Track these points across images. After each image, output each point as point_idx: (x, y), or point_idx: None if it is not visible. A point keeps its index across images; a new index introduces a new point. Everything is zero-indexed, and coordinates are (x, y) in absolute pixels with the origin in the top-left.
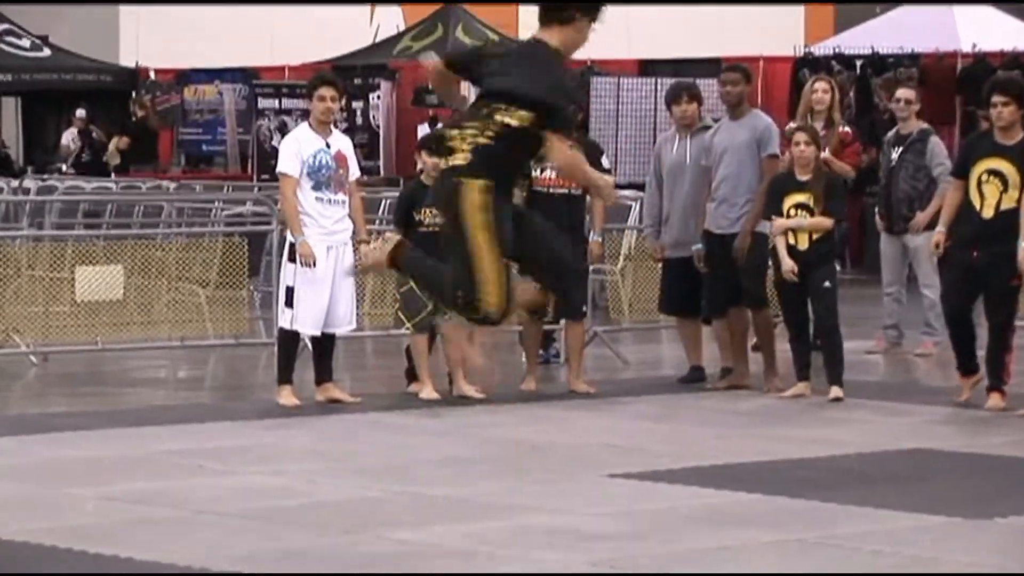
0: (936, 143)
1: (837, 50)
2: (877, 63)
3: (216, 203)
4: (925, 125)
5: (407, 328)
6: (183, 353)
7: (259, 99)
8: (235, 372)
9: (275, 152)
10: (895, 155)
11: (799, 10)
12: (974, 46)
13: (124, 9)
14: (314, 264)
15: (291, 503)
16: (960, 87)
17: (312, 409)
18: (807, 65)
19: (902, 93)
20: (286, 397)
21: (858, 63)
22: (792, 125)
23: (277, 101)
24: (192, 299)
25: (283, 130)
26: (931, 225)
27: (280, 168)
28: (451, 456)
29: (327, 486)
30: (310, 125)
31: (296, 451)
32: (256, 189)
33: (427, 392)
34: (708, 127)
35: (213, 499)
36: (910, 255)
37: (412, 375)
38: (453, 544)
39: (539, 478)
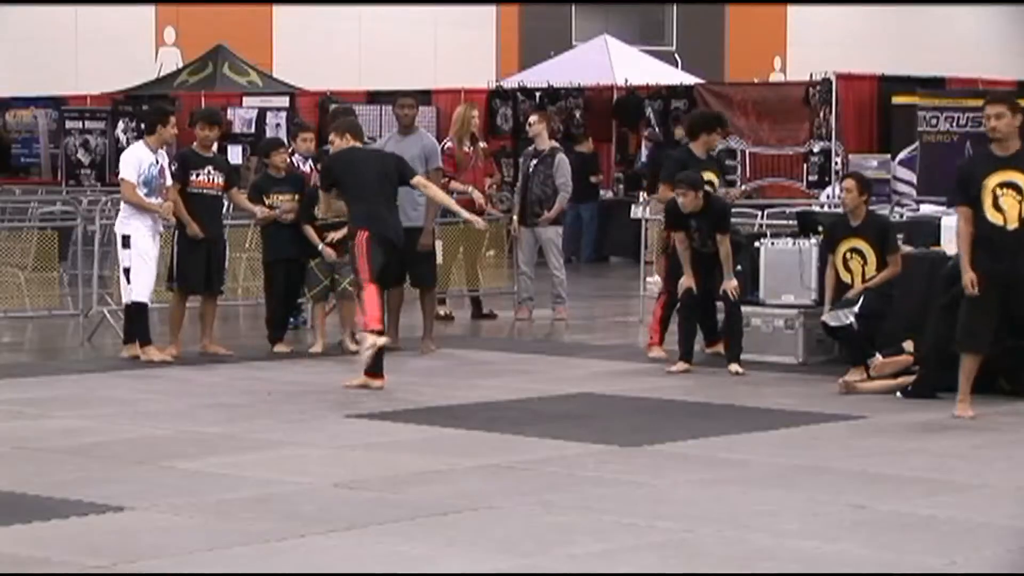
0: (562, 159)
1: (521, 84)
2: (552, 94)
3: (32, 203)
4: (555, 144)
5: (307, 298)
6: (6, 323)
7: (66, 121)
8: (48, 338)
9: (79, 163)
10: (532, 165)
11: (492, 51)
12: (626, 81)
13: None
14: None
15: (94, 440)
16: (615, 113)
17: (123, 365)
18: (498, 96)
19: (532, 119)
20: (151, 354)
21: (538, 94)
22: (448, 143)
23: (81, 123)
24: (13, 280)
25: (87, 146)
26: (557, 220)
27: (122, 175)
28: (223, 403)
29: (125, 427)
30: (145, 144)
31: (100, 400)
32: (64, 192)
33: (317, 347)
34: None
35: (30, 438)
36: (541, 243)
37: (273, 340)
38: (226, 471)
39: (291, 418)
